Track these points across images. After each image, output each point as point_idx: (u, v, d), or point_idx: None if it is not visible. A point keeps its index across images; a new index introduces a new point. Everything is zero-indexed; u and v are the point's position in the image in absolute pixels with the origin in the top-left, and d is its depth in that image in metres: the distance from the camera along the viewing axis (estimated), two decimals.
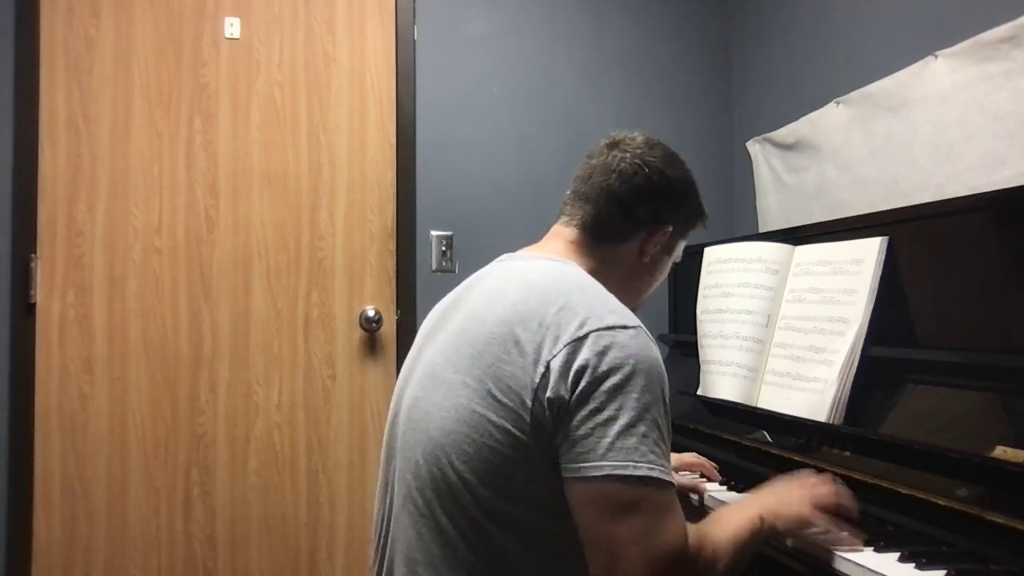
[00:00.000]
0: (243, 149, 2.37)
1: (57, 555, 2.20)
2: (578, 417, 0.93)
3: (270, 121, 2.39)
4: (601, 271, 1.14)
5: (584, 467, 0.92)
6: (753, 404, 1.56)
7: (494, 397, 0.98)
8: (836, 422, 1.34)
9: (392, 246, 2.46)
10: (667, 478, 0.94)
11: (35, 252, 2.21)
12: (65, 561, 2.20)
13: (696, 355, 1.77)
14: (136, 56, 2.31)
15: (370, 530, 1.21)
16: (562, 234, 1.18)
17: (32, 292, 2.20)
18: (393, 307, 2.44)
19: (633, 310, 1.16)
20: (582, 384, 0.94)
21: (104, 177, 2.27)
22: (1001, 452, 1.04)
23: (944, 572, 0.97)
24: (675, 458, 1.47)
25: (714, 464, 1.54)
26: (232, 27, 2.37)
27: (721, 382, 1.64)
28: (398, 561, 1.06)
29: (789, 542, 1.15)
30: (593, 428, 0.93)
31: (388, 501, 1.13)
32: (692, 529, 0.97)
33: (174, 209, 2.32)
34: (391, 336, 2.43)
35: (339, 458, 2.40)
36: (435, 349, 1.10)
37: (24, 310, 2.20)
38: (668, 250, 1.22)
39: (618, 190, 1.15)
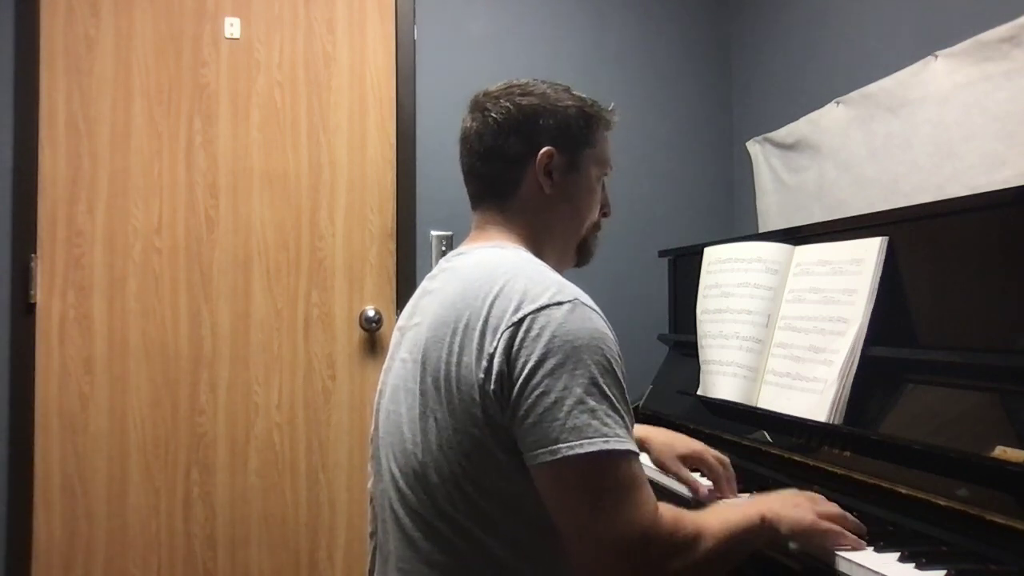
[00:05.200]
0: (243, 149, 2.37)
1: (57, 555, 2.20)
2: (526, 405, 0.92)
3: (270, 121, 2.39)
4: (530, 231, 1.13)
5: (541, 453, 0.91)
6: (753, 404, 1.56)
7: (449, 401, 0.98)
8: (836, 422, 1.34)
9: (392, 246, 2.46)
10: (623, 447, 0.91)
11: (35, 252, 2.21)
12: (65, 561, 2.20)
13: (696, 355, 1.77)
14: (136, 56, 2.31)
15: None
16: (480, 221, 1.16)
17: (32, 292, 2.20)
18: (393, 307, 2.44)
19: (587, 247, 1.18)
20: (524, 371, 0.92)
21: (104, 177, 2.27)
22: (1001, 452, 1.04)
23: (944, 572, 0.97)
24: (683, 444, 1.40)
25: (723, 458, 1.41)
26: (232, 27, 2.37)
27: (721, 382, 1.64)
28: (389, 572, 1.07)
29: (792, 545, 1.14)
30: (543, 413, 0.91)
31: (377, 514, 1.13)
32: (675, 510, 0.96)
33: (174, 209, 2.32)
34: (391, 336, 2.43)
35: (339, 458, 2.40)
36: (399, 361, 1.11)
37: (24, 310, 2.20)
38: (573, 168, 1.13)
39: (481, 146, 1.13)
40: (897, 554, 1.03)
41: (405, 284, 2.44)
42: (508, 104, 1.12)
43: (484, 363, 0.95)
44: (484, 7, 2.57)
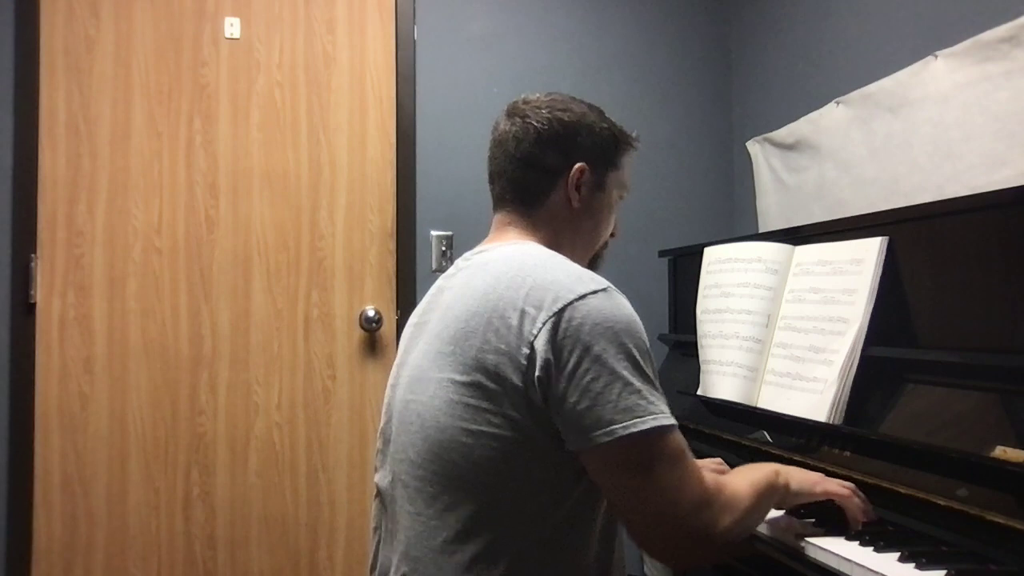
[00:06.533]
0: (243, 149, 2.37)
1: (57, 555, 2.20)
2: (576, 392, 0.96)
3: (270, 121, 2.39)
4: (552, 238, 1.16)
5: (596, 436, 0.95)
6: (753, 404, 1.56)
7: (484, 387, 1.00)
8: (836, 422, 1.34)
9: (392, 246, 2.46)
10: (670, 421, 0.98)
11: (35, 252, 2.21)
12: (65, 561, 2.20)
13: (696, 355, 1.77)
14: (136, 56, 2.31)
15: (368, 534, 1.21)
16: (502, 222, 1.20)
17: (32, 292, 2.20)
18: (393, 307, 2.44)
19: (596, 263, 1.23)
20: (570, 359, 0.96)
21: (104, 177, 2.27)
22: (1001, 452, 1.04)
23: (944, 572, 0.97)
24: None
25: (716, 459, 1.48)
26: (232, 27, 2.37)
27: (721, 382, 1.64)
28: (399, 562, 1.07)
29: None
30: (594, 398, 0.95)
31: (385, 505, 1.14)
32: (712, 474, 1.02)
33: (174, 209, 2.32)
34: (391, 336, 2.43)
35: (339, 458, 2.40)
36: (418, 353, 1.12)
37: (24, 310, 2.20)
38: (599, 187, 1.19)
39: (517, 151, 1.17)
40: (897, 554, 1.03)
41: (405, 284, 2.44)
42: (550, 116, 1.16)
43: (526, 350, 0.98)
44: (484, 7, 2.57)
